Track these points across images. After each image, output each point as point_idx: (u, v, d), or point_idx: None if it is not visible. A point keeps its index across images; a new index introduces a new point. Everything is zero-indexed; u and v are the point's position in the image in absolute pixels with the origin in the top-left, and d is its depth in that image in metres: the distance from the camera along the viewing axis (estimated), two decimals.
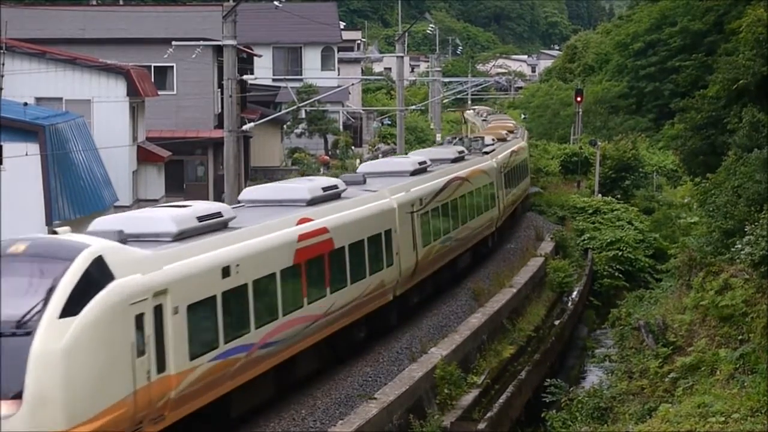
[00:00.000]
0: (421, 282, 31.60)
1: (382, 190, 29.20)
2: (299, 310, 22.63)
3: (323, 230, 24.20)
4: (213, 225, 20.82)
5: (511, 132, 58.99)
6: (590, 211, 53.69)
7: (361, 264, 26.13)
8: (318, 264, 23.77)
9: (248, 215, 23.33)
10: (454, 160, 38.66)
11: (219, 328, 19.48)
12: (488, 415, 25.25)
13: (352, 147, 74.52)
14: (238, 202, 26.30)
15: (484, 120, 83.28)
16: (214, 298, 19.37)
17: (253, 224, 22.05)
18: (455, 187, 35.61)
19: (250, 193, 26.41)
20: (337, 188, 27.14)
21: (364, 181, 30.21)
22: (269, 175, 62.06)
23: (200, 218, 20.52)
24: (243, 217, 22.83)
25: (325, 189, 26.34)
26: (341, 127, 77.03)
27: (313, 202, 25.26)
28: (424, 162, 34.80)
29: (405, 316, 30.48)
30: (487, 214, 40.16)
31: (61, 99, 44.33)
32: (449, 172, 36.03)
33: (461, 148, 42.37)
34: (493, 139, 49.49)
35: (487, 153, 44.24)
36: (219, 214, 21.29)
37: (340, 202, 26.49)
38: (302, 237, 23.12)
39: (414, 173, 33.03)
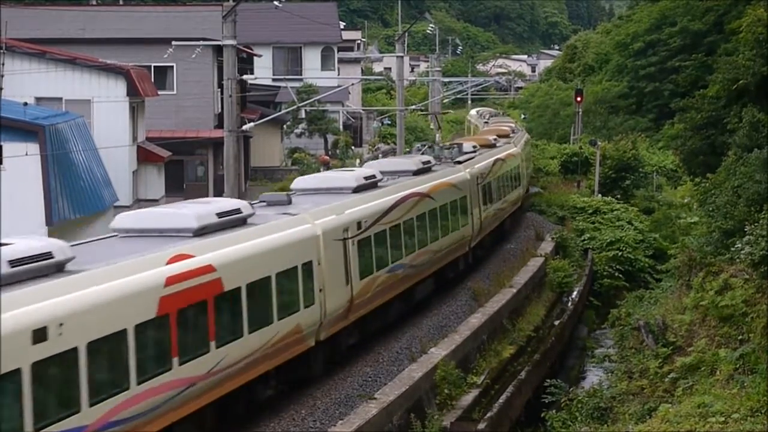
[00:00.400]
0: (361, 319, 27.05)
1: (304, 213, 24.41)
2: (166, 374, 18.01)
3: (207, 269, 19.45)
4: (35, 270, 16.13)
5: (505, 136, 55.15)
6: (590, 211, 53.68)
7: (264, 307, 21.47)
8: (197, 312, 19.14)
9: (108, 251, 18.83)
10: (417, 173, 33.87)
11: (25, 412, 14.79)
12: (488, 415, 25.23)
13: (352, 147, 74.60)
14: (110, 231, 21.38)
15: (486, 122, 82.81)
16: (16, 372, 14.72)
17: (103, 265, 17.45)
18: (411, 204, 30.90)
19: (124, 219, 21.30)
20: (240, 213, 22.23)
21: (289, 202, 25.86)
22: (269, 175, 62.27)
23: (14, 262, 15.76)
24: (98, 254, 18.38)
25: (221, 215, 21.43)
26: (341, 127, 77.10)
27: (202, 231, 20.54)
28: (373, 176, 30.08)
29: (337, 361, 26.03)
30: (457, 233, 35.56)
31: (61, 99, 44.36)
32: (406, 186, 31.44)
33: (427, 158, 37.05)
34: (474, 146, 44.46)
35: (460, 162, 39.43)
36: (48, 255, 16.51)
37: (242, 230, 21.71)
38: (172, 280, 18.34)
39: (358, 190, 28.48)
